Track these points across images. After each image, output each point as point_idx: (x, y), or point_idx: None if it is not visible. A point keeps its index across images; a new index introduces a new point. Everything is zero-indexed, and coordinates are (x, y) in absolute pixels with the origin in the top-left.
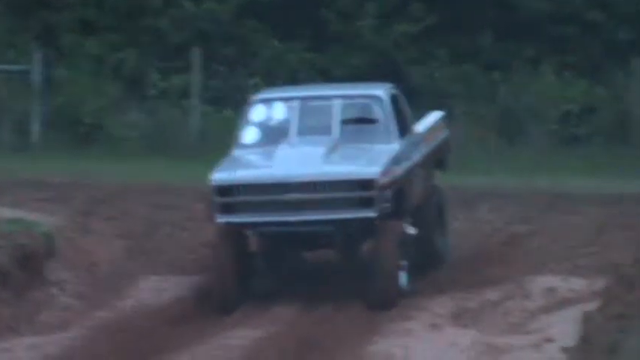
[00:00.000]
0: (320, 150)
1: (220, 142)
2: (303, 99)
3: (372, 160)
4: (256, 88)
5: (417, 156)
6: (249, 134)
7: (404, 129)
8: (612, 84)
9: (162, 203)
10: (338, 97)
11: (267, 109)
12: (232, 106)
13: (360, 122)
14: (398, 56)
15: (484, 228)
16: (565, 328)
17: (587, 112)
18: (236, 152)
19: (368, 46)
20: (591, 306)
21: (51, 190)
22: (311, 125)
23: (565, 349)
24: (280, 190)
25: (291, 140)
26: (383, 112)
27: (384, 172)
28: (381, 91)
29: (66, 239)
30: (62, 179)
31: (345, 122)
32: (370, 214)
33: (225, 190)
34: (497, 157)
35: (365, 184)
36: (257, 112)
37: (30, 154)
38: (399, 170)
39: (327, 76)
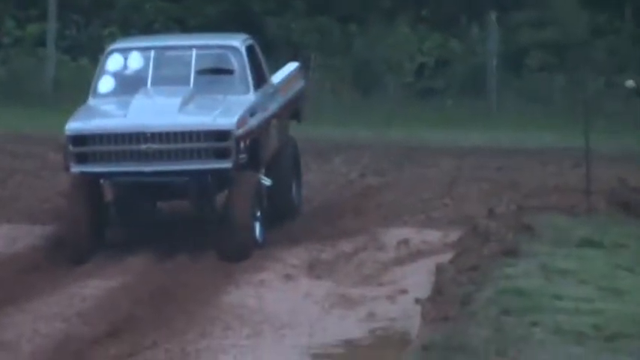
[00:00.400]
0: (175, 100)
1: (76, 91)
2: (158, 49)
3: (227, 110)
4: (112, 38)
5: (272, 107)
6: (105, 84)
7: (260, 80)
8: (467, 38)
9: (17, 151)
10: (194, 47)
11: (122, 59)
12: (88, 55)
13: (216, 73)
14: (254, 7)
15: (338, 180)
16: (418, 279)
17: (442, 65)
18: (91, 102)
19: None
20: (444, 258)
21: None
22: (167, 75)
23: (418, 301)
24: (135, 140)
25: (147, 90)
26: (239, 63)
27: (240, 123)
28: (238, 41)
29: None
30: None
31: (200, 72)
32: (225, 165)
33: (79, 139)
34: (352, 109)
35: (220, 134)
36: (113, 62)
37: None
38: (255, 121)
39: (183, 26)
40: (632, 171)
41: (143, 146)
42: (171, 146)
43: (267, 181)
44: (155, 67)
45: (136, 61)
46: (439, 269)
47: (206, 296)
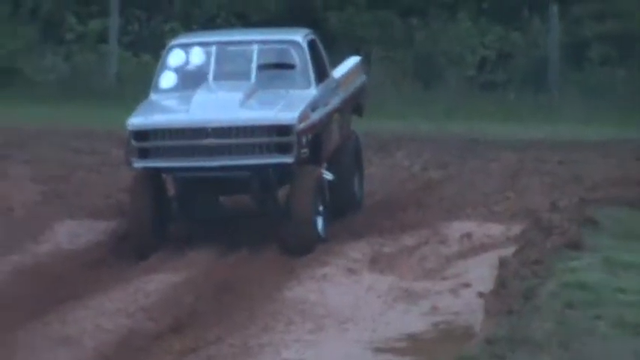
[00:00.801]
0: (237, 95)
1: (137, 86)
2: (220, 44)
3: (289, 105)
4: (173, 33)
5: (334, 101)
6: (167, 79)
7: (321, 74)
8: (529, 30)
9: (79, 147)
10: (256, 42)
11: (184, 54)
12: (150, 50)
13: (277, 67)
14: (316, 1)
15: (400, 173)
16: (481, 273)
17: (504, 59)
18: (153, 97)
19: None
20: (507, 252)
21: None
22: (228, 70)
23: (481, 294)
24: (197, 135)
25: (209, 85)
26: (300, 58)
27: (301, 118)
28: (299, 36)
29: None
30: None
31: (262, 67)
32: (287, 159)
33: (141, 134)
34: (413, 102)
35: (282, 129)
36: (174, 57)
37: None
38: (317, 116)
39: (245, 21)
40: None
41: (205, 141)
42: (233, 141)
43: (328, 176)
44: (217, 62)
45: (197, 56)
46: (502, 263)
47: (268, 291)
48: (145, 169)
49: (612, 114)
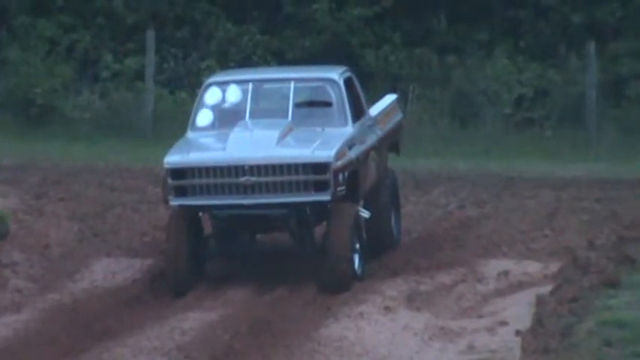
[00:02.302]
0: (274, 133)
1: (174, 124)
2: (256, 82)
3: (325, 143)
4: (210, 71)
5: (370, 139)
6: (203, 117)
7: (358, 112)
8: (565, 68)
9: (115, 185)
10: (292, 79)
11: (220, 92)
12: (186, 88)
13: (314, 105)
14: (352, 39)
15: (437, 211)
16: (519, 311)
17: (541, 96)
18: (190, 135)
19: (322, 28)
20: (545, 289)
21: (3, 172)
22: (265, 108)
23: (519, 332)
24: (234, 172)
25: (245, 123)
26: (337, 96)
27: (338, 156)
28: (336, 74)
29: (18, 221)
30: (14, 161)
31: (299, 105)
32: (324, 197)
33: (178, 172)
34: (450, 140)
35: (319, 167)
36: (211, 95)
37: None
38: (353, 153)
39: (281, 59)
40: None
41: (242, 179)
42: (270, 179)
43: (365, 214)
44: (253, 100)
45: (234, 94)
46: (539, 301)
47: (305, 329)
48: (182, 206)
49: None
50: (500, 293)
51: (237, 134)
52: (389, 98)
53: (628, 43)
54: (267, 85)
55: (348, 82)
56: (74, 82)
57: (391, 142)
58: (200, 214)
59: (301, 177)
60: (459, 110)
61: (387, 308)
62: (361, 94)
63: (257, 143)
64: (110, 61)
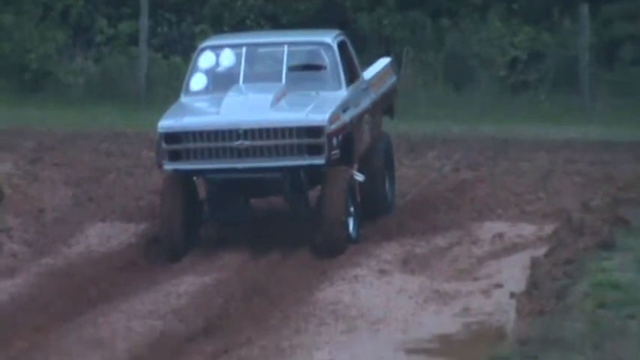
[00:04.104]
0: (268, 97)
1: (168, 89)
2: (250, 45)
3: (319, 107)
4: (204, 35)
5: (364, 103)
6: (197, 81)
7: (352, 76)
8: (559, 30)
9: (110, 150)
10: (286, 43)
11: (214, 56)
12: (180, 53)
13: (308, 69)
14: (346, 2)
15: (431, 174)
16: (513, 273)
17: (535, 59)
18: (183, 99)
19: None
20: (539, 252)
21: None
22: (259, 72)
23: (513, 295)
24: (228, 136)
25: (239, 87)
26: (331, 59)
27: (332, 119)
28: (329, 37)
29: (13, 186)
30: (9, 126)
31: (292, 69)
32: (318, 161)
33: (172, 137)
34: (444, 103)
35: (313, 131)
36: (205, 59)
37: None
38: (347, 117)
39: (274, 23)
40: None
41: (236, 143)
42: (264, 143)
43: (360, 177)
44: (247, 64)
45: (227, 58)
46: (534, 263)
47: (300, 293)
48: (176, 171)
49: None
50: (494, 256)
51: (231, 98)
52: (383, 62)
53: (621, 5)
54: (261, 49)
55: (341, 46)
56: (68, 47)
57: (385, 106)
58: (194, 178)
59: (295, 141)
60: (453, 73)
61: (382, 271)
62: (355, 58)
63: (251, 107)
64: (104, 25)
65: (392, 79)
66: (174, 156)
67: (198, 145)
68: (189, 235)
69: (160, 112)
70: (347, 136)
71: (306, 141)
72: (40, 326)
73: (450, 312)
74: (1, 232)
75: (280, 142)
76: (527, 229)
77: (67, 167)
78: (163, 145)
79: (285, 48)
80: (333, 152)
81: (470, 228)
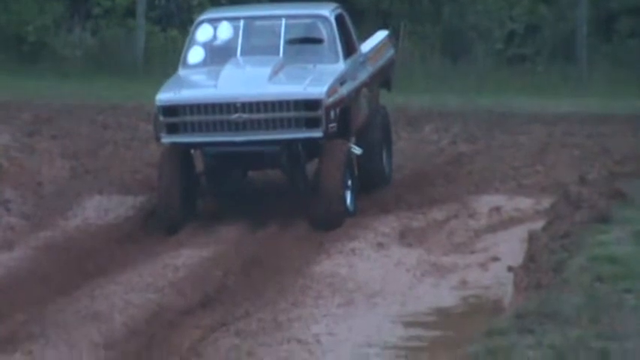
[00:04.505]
0: (265, 70)
1: (166, 62)
2: (248, 18)
3: (317, 79)
4: (201, 8)
5: (362, 76)
6: (195, 54)
7: (349, 49)
8: (556, 2)
9: (107, 122)
10: (283, 16)
11: (212, 29)
12: (178, 26)
13: (305, 42)
14: None
15: (429, 147)
16: (511, 247)
17: (532, 32)
18: (181, 72)
19: None
20: (537, 225)
21: None
22: (256, 45)
23: (511, 268)
24: (225, 110)
25: (237, 60)
26: (328, 32)
27: (330, 92)
28: (327, 10)
29: (10, 159)
30: (6, 98)
31: (290, 42)
32: (316, 134)
33: (170, 110)
34: (441, 76)
35: (310, 104)
36: (202, 32)
37: None
38: (345, 90)
39: None
40: None
41: (233, 116)
42: (262, 116)
43: (357, 150)
44: (244, 37)
45: (225, 31)
46: (531, 236)
47: (297, 265)
48: (174, 144)
49: None
50: (492, 229)
51: (228, 71)
52: (380, 35)
53: None
54: (258, 22)
55: (339, 19)
56: (65, 19)
57: (383, 79)
58: (192, 151)
59: (293, 114)
60: (450, 46)
61: (380, 244)
62: (352, 31)
63: (248, 80)
64: None
65: (389, 52)
66: (172, 129)
67: (196, 118)
68: (187, 208)
69: (158, 84)
70: (344, 109)
71: (303, 114)
72: (37, 299)
73: (448, 285)
74: None
75: (278, 115)
76: (525, 203)
77: (64, 139)
78: (161, 117)
79: (283, 21)
80: (331, 125)
81: (467, 201)
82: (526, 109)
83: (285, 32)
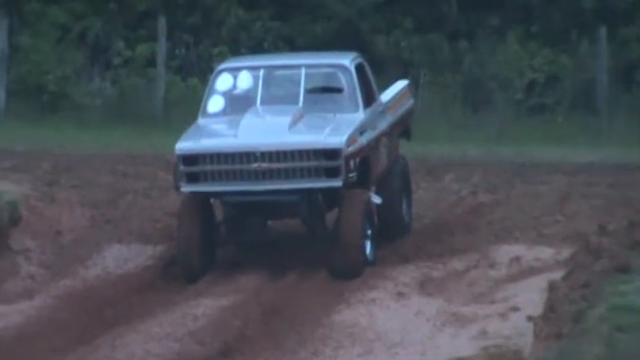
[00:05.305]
0: (285, 119)
1: (185, 111)
2: (268, 68)
3: (337, 129)
4: (221, 57)
5: (382, 125)
6: (215, 103)
7: (369, 98)
8: (577, 53)
9: (127, 172)
10: (303, 66)
11: (232, 78)
12: (197, 74)
13: (325, 91)
14: (362, 25)
15: (449, 197)
16: (530, 296)
17: (552, 81)
18: (201, 121)
19: (333, 14)
20: (557, 275)
21: (15, 158)
22: (276, 94)
23: (531, 318)
24: (245, 159)
25: (256, 109)
26: (348, 82)
27: (349, 142)
28: (347, 60)
29: (30, 208)
30: (26, 148)
31: (310, 91)
32: (335, 183)
33: (190, 159)
34: (461, 126)
35: (330, 153)
36: (222, 81)
37: None
38: (364, 139)
39: (292, 45)
40: None
41: (253, 165)
42: (282, 165)
43: (377, 199)
44: (264, 86)
45: (245, 80)
46: (551, 286)
47: (317, 315)
48: (193, 193)
49: None
50: (512, 279)
51: (248, 120)
52: (400, 84)
53: (639, 28)
54: (278, 72)
55: (359, 68)
56: (86, 68)
57: (402, 128)
58: (211, 200)
59: (313, 163)
60: (471, 96)
61: (400, 294)
62: (372, 80)
63: (268, 129)
64: (122, 47)
65: (409, 102)
66: (192, 178)
67: (216, 167)
68: (207, 257)
69: (178, 134)
70: (364, 158)
71: (323, 163)
72: (57, 348)
73: (468, 335)
74: (18, 254)
75: (298, 164)
76: (545, 253)
77: (84, 189)
78: (181, 167)
79: (303, 70)
80: (351, 175)
81: (487, 251)
82: (546, 158)
83: (305, 81)
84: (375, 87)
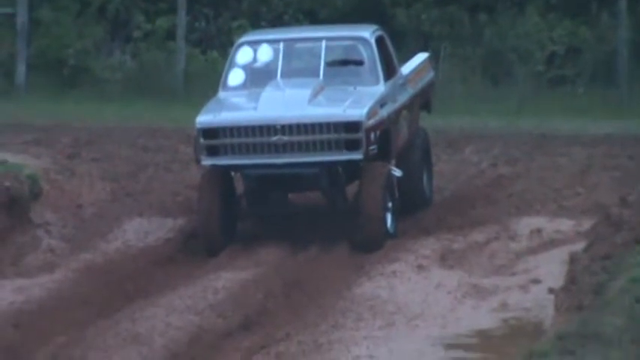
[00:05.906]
0: (305, 92)
1: (205, 84)
2: (288, 41)
3: (357, 102)
4: (241, 30)
5: (402, 98)
6: (235, 76)
7: (390, 71)
8: (597, 25)
9: (147, 145)
10: (323, 38)
11: (252, 52)
12: (218, 48)
13: (345, 64)
14: None
15: (469, 170)
16: (551, 269)
17: (573, 54)
18: (221, 94)
19: None
20: (577, 247)
21: (35, 132)
22: (296, 67)
23: (552, 290)
24: (265, 132)
25: (277, 82)
26: (369, 54)
27: (370, 114)
28: (367, 32)
29: (51, 182)
30: (47, 122)
31: (330, 64)
32: (356, 156)
33: (210, 132)
34: (482, 98)
35: (350, 126)
36: (242, 55)
37: (14, 97)
38: (385, 112)
39: (312, 18)
40: None
41: (274, 138)
42: (302, 138)
43: (397, 172)
44: (285, 59)
45: (265, 53)
46: (572, 258)
47: (338, 288)
48: (214, 166)
49: None
50: (532, 251)
51: (268, 94)
52: (420, 57)
53: None
54: (298, 45)
55: (379, 41)
56: (106, 42)
57: (423, 101)
58: (232, 173)
59: (333, 136)
60: (491, 68)
61: (420, 266)
62: (393, 53)
63: (289, 102)
64: (142, 20)
65: (429, 75)
66: (212, 151)
67: (236, 140)
68: (227, 230)
69: (198, 107)
70: (385, 131)
71: (344, 136)
72: (78, 322)
73: (488, 307)
74: (39, 228)
75: (318, 137)
76: (566, 225)
77: (104, 162)
78: (201, 140)
79: (323, 43)
80: (371, 147)
81: (508, 223)
82: (566, 131)
83: (326, 54)
84: (395, 60)
